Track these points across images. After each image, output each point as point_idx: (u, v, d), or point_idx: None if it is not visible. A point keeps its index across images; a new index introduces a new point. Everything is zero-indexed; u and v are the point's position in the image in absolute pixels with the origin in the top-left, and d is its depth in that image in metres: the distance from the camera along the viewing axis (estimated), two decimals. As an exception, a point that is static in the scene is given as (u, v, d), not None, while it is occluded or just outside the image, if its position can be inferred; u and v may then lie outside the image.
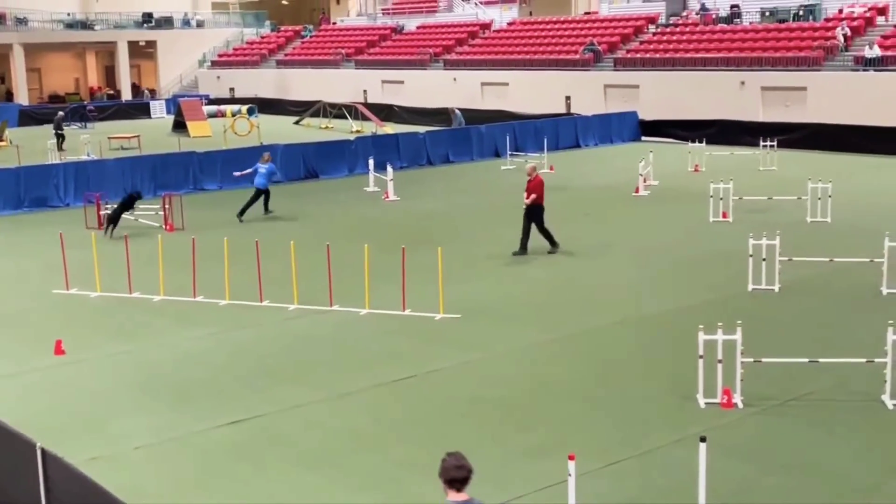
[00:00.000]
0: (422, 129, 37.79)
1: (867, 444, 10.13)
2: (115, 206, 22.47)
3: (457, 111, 42.40)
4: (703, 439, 8.13)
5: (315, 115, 49.40)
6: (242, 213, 23.48)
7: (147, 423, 11.19)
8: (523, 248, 19.10)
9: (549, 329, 14.45)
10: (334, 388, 12.14)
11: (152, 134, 44.92)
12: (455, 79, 50.01)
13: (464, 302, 15.72)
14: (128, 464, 10.17)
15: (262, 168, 23.77)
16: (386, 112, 49.04)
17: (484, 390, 12.04)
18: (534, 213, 19.13)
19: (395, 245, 17.53)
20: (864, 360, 11.46)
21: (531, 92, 45.59)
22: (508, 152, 33.74)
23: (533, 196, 18.94)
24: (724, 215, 22.28)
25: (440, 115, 44.90)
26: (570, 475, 7.77)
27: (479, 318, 15.07)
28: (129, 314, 15.79)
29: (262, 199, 23.84)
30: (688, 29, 44.42)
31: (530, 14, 56.47)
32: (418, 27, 58.91)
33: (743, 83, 38.44)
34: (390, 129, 42.69)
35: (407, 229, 22.18)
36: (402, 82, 52.95)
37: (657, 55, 43.09)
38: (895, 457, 9.82)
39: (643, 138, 38.83)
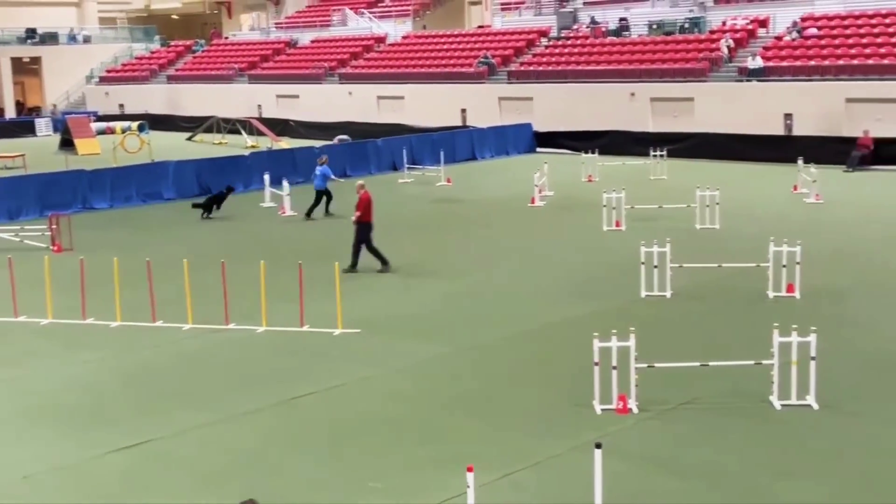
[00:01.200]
0: (318, 143, 37.54)
1: (757, 445, 10.41)
2: (209, 196, 26.26)
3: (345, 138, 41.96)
4: (598, 445, 8.24)
5: (208, 130, 48.64)
6: (309, 213, 25.31)
7: (35, 452, 10.80)
8: (352, 266, 18.86)
9: (448, 342, 14.48)
10: (231, 409, 11.92)
11: (38, 152, 43.55)
12: (351, 92, 49.89)
13: (363, 317, 15.64)
14: (15, 494, 9.79)
15: (318, 170, 25.33)
16: (281, 127, 48.58)
17: (384, 405, 11.99)
18: (360, 231, 19.06)
19: (292, 261, 17.35)
20: (752, 362, 11.79)
21: (427, 105, 45.76)
22: (406, 165, 33.79)
23: (358, 214, 18.91)
24: (618, 224, 22.71)
25: (336, 130, 44.66)
26: (468, 487, 7.79)
27: (379, 332, 15.01)
28: (14, 338, 15.24)
29: (323, 200, 25.29)
30: (579, 42, 45.23)
31: (424, 28, 56.74)
32: (312, 41, 58.62)
33: (633, 94, 39.30)
34: (286, 143, 42.31)
35: (305, 245, 21.99)
36: (297, 97, 52.56)
37: (550, 68, 43.76)
38: (784, 457, 10.12)
39: (538, 149, 39.36)
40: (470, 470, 7.75)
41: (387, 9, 59.62)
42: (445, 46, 50.67)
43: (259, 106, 53.75)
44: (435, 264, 19.82)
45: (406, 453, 10.50)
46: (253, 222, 25.62)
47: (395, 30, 55.88)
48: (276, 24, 65.48)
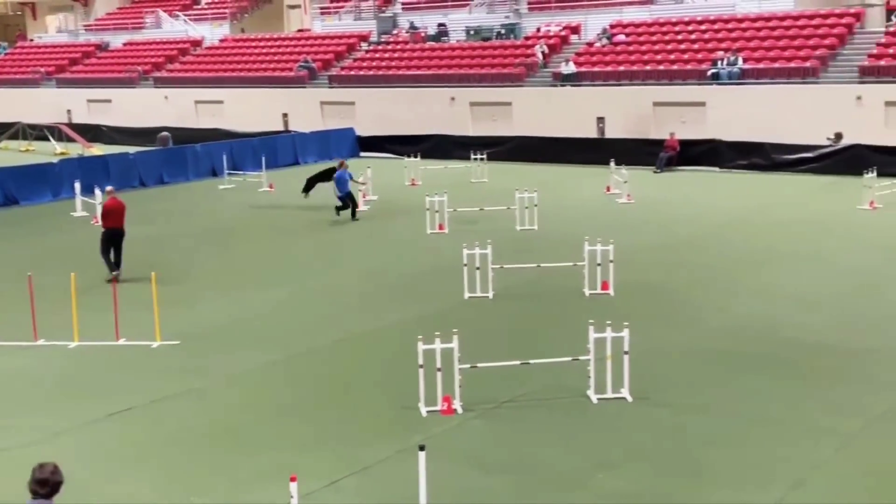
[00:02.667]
0: (133, 149, 36.25)
1: (576, 439, 10.76)
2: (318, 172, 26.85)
3: (167, 136, 40.84)
4: (422, 448, 8.30)
5: (13, 137, 46.08)
6: (354, 214, 25.13)
7: None
8: (113, 268, 18.49)
9: (272, 350, 14.26)
10: (41, 430, 11.33)
11: None
12: (167, 97, 48.45)
13: (183, 328, 15.20)
14: None
15: (338, 175, 24.95)
16: (93, 132, 46.62)
17: (206, 418, 11.68)
18: (104, 236, 18.77)
19: (106, 273, 16.66)
20: (570, 358, 12.16)
21: (247, 109, 44.98)
22: (226, 171, 33.09)
23: (97, 221, 18.73)
24: (441, 227, 22.99)
25: (153, 135, 43.27)
26: (292, 497, 7.68)
27: (200, 343, 14.63)
28: None
29: (349, 204, 25.04)
30: (399, 47, 45.54)
31: (242, 31, 55.75)
32: (125, 44, 56.58)
33: (453, 99, 39.88)
34: (98, 150, 40.63)
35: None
36: (109, 101, 50.59)
37: (371, 72, 43.85)
38: (601, 450, 10.48)
39: (361, 154, 39.35)
40: (293, 479, 7.66)
41: (202, 11, 58.27)
42: (265, 50, 49.97)
43: (69, 111, 51.40)
44: (257, 272, 19.49)
45: (231, 466, 10.27)
46: (63, 233, 24.48)
47: (212, 33, 54.67)
48: (84, 26, 62.81)
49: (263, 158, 33.13)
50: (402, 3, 50.22)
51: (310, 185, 26.94)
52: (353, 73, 44.57)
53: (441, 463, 9.79)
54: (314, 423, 11.48)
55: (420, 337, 11.48)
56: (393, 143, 38.91)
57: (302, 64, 45.66)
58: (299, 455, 10.46)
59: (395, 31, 47.81)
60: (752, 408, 11.50)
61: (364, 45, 47.42)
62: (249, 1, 58.27)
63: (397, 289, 17.86)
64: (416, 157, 32.89)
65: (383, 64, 44.22)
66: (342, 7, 51.83)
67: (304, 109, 43.70)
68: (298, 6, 56.10)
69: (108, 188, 19.75)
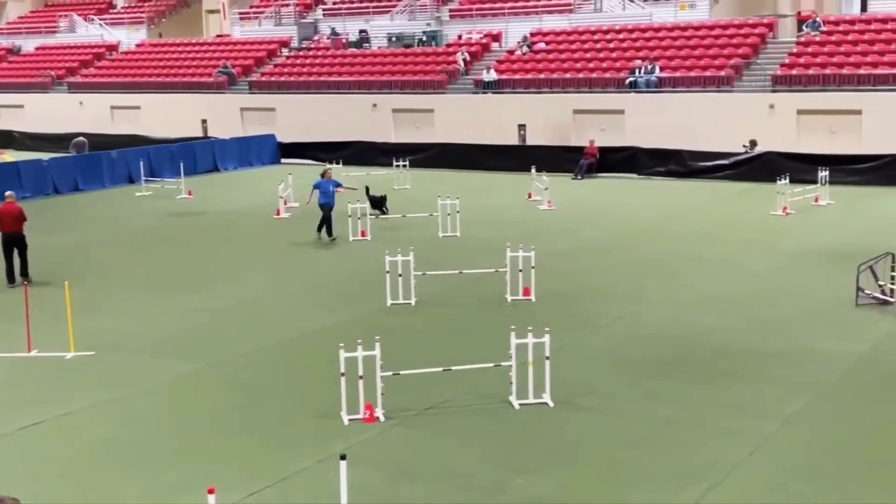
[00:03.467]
0: (46, 155, 35.37)
1: (497, 445, 10.78)
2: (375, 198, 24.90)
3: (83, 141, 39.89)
4: (343, 457, 8.23)
5: (-80, 143, 44.65)
6: (330, 233, 22.79)
7: None
8: (13, 277, 18.45)
9: (192, 359, 14.02)
10: (-52, 445, 10.96)
11: None
12: (81, 102, 47.42)
13: (98, 338, 14.85)
14: None
15: (326, 185, 23.01)
16: (5, 139, 45.39)
17: (122, 430, 11.43)
18: (1, 242, 18.61)
19: (18, 281, 16.19)
20: (492, 364, 12.20)
21: (165, 115, 44.27)
22: (143, 178, 32.50)
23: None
24: (363, 234, 22.90)
25: (68, 141, 42.25)
26: (210, 510, 7.55)
27: (116, 354, 14.31)
28: None
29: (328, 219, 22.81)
30: (320, 53, 45.31)
31: (160, 36, 54.90)
32: (37, 48, 55.25)
33: (375, 106, 39.83)
34: (10, 156, 39.47)
35: (32, 264, 20.57)
36: (21, 106, 49.34)
37: (292, 78, 43.54)
38: (522, 455, 10.52)
39: (283, 161, 39.01)
40: (211, 492, 7.52)
41: (119, 16, 57.22)
42: (183, 55, 49.29)
43: (-22, 117, 49.99)
44: (177, 280, 19.16)
45: (146, 478, 10.05)
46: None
47: (129, 38, 53.72)
48: (-5, 29, 61.18)
49: (182, 165, 32.61)
50: (324, 9, 50.01)
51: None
52: (273, 79, 44.20)
53: (363, 471, 9.72)
54: (233, 433, 11.31)
55: (342, 345, 11.40)
56: (314, 150, 38.67)
57: (221, 70, 45.13)
58: (217, 466, 10.29)
59: (316, 38, 47.57)
60: (669, 411, 11.67)
61: (285, 51, 47.09)
62: (167, 5, 57.41)
63: (319, 296, 17.72)
64: (338, 163, 32.73)
65: (304, 70, 43.95)
66: (262, 13, 51.38)
67: (224, 115, 43.19)
68: (217, 11, 55.42)
69: (8, 193, 19.19)
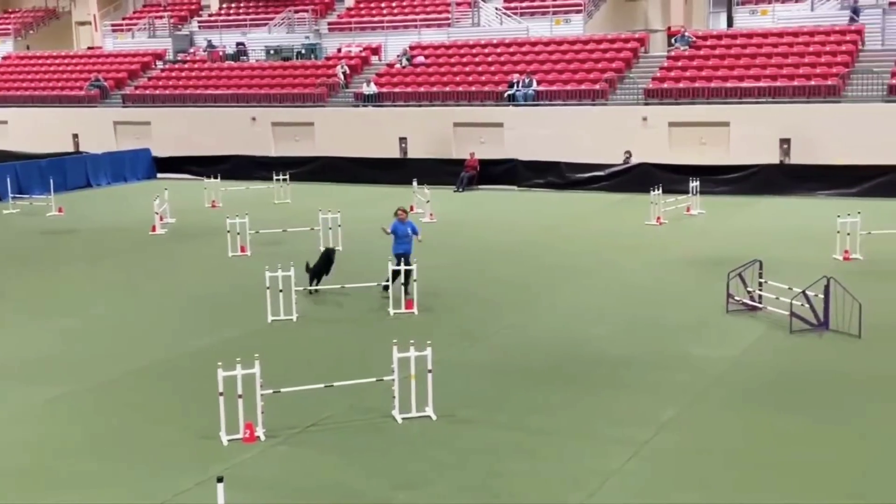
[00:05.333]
0: None
1: (380, 460, 10.73)
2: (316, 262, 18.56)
3: None
4: (220, 479, 8.06)
5: None
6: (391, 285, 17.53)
7: None
8: None
9: (66, 383, 13.52)
10: None
11: None
12: (-56, 116, 45.39)
13: (-39, 363, 14.19)
14: None
15: (402, 227, 18.07)
16: None
17: (-12, 459, 10.93)
18: None
19: None
20: (374, 379, 12.14)
21: (34, 130, 42.75)
22: (10, 195, 31.28)
23: None
24: (243, 249, 22.55)
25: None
26: (83, 540, 7.28)
27: (-19, 379, 13.69)
28: None
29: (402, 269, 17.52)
30: (196, 66, 44.52)
31: (28, 48, 53.04)
32: None
33: (254, 119, 39.32)
34: None
35: None
36: None
37: (167, 91, 42.64)
38: (405, 469, 10.50)
39: (158, 175, 38.14)
40: (84, 521, 7.26)
41: (-17, 27, 55.10)
42: (53, 68, 47.77)
43: None
44: (47, 301, 18.48)
45: (15, 510, 9.64)
46: None
47: (-5, 50, 51.77)
48: None
49: (52, 181, 31.53)
50: (199, 22, 49.21)
51: (315, 275, 18.44)
52: (148, 92, 43.22)
53: (243, 492, 9.55)
54: (108, 458, 10.95)
55: (220, 363, 11.17)
56: (192, 164, 37.97)
57: (93, 83, 43.90)
58: (93, 493, 9.94)
59: (191, 50, 46.75)
60: (549, 421, 11.82)
61: (160, 64, 46.10)
62: (35, 17, 55.54)
63: (197, 314, 17.35)
64: (216, 178, 32.18)
65: (180, 83, 43.11)
66: (135, 24, 50.22)
67: (96, 130, 41.97)
68: (88, 23, 53.89)
69: None
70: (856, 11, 36.13)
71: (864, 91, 31.81)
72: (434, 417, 11.80)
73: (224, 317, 17.08)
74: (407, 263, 17.32)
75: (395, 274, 17.29)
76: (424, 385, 11.83)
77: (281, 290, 16.52)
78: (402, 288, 17.27)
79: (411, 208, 28.38)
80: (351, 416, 11.94)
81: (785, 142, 31.23)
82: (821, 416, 11.81)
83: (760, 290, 16.67)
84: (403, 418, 11.74)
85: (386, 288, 17.39)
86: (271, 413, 11.40)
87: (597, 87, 35.28)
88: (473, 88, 37.26)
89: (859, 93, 31.83)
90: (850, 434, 11.22)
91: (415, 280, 17.01)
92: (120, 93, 43.73)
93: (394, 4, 46.83)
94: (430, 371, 11.81)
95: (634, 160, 32.23)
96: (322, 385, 12.14)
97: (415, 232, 18.12)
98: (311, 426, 11.66)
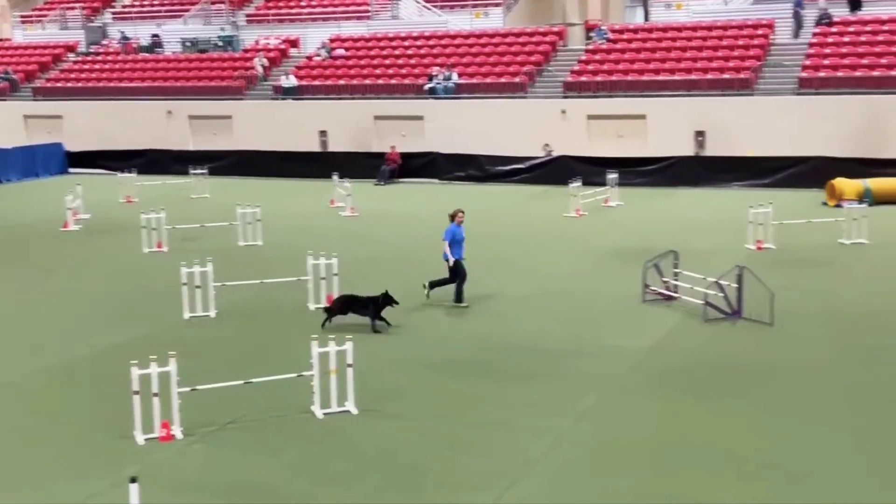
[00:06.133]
0: None
1: (301, 456, 10.64)
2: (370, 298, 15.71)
3: None
4: (133, 480, 7.90)
5: None
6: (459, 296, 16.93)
7: None
8: None
9: (-30, 385, 13.12)
10: None
11: None
12: None
13: None
14: None
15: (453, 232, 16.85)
16: None
17: None
18: None
19: None
20: (294, 374, 12.02)
21: (-60, 124, 41.38)
22: (-86, 192, 30.27)
23: None
24: (159, 245, 22.15)
25: None
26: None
27: None
28: None
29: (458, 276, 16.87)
30: (110, 58, 43.53)
31: (-68, 39, 51.25)
32: None
33: (170, 112, 38.61)
34: None
35: None
36: None
37: (80, 84, 41.60)
38: (325, 465, 10.43)
39: (71, 170, 37.26)
40: (-9, 527, 7.05)
41: None
42: (-42, 60, 46.21)
43: None
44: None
45: (-81, 517, 9.32)
46: None
47: None
48: None
49: (-41, 177, 30.59)
50: (113, 13, 48.14)
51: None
52: (60, 85, 42.13)
53: (159, 492, 9.38)
54: (20, 459, 10.66)
55: (134, 362, 10.95)
56: (106, 159, 37.25)
57: (1, 76, 42.62)
58: (3, 496, 9.66)
59: (105, 42, 45.69)
60: (470, 413, 11.86)
61: (72, 56, 44.96)
62: (-61, 6, 53.66)
63: (112, 311, 16.99)
64: (131, 172, 31.54)
65: (93, 76, 42.14)
66: (46, 16, 48.87)
67: (5, 124, 40.77)
68: (-4, 13, 52.28)
69: None
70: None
71: (775, 84, 32.57)
72: (355, 412, 11.74)
73: (139, 314, 16.75)
74: (457, 268, 16.67)
75: (452, 278, 16.76)
76: (345, 380, 11.76)
77: (198, 286, 16.27)
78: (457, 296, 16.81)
79: (332, 202, 28.30)
80: (270, 413, 11.81)
81: (700, 134, 31.81)
82: (733, 401, 12.07)
83: (676, 279, 16.97)
84: (324, 414, 11.66)
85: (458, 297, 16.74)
86: (188, 411, 11.22)
87: (516, 80, 35.47)
88: (394, 81, 37.15)
89: (771, 86, 32.58)
90: (760, 418, 11.48)
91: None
92: (30, 86, 42.55)
93: (312, -4, 46.47)
94: (350, 366, 11.74)
95: (554, 153, 32.51)
96: (241, 382, 11.99)
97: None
98: (230, 423, 11.50)
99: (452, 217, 16.83)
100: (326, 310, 15.59)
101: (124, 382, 11.36)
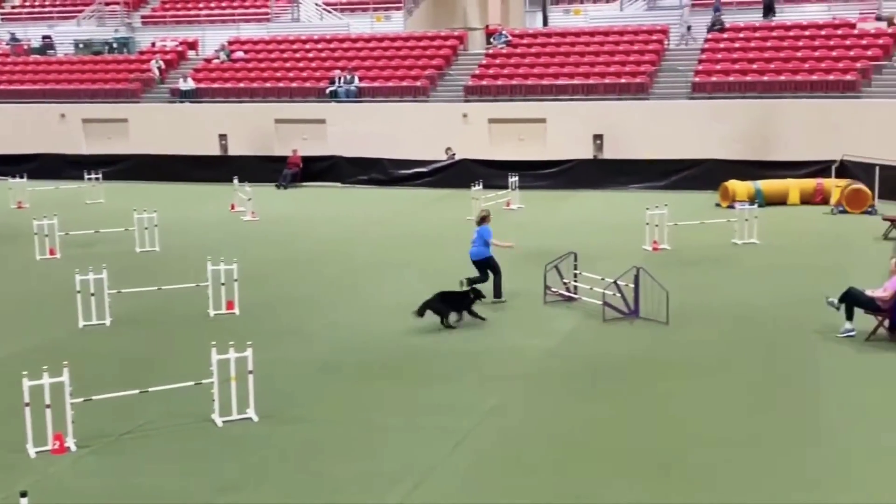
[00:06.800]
0: None
1: (200, 465, 10.45)
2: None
3: None
4: (23, 493, 7.65)
5: None
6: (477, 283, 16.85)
7: None
8: None
9: None
10: None
11: None
12: None
13: None
14: None
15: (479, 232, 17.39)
16: None
17: None
18: None
19: None
20: (192, 382, 11.81)
21: None
22: None
23: None
24: (52, 252, 21.54)
25: None
26: None
27: None
28: None
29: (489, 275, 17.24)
30: (-1, 59, 42.21)
31: None
32: None
33: (63, 116, 37.60)
34: None
35: None
36: None
37: (-33, 86, 40.20)
38: (226, 473, 10.26)
39: (-43, 176, 35.93)
40: None
41: None
42: None
43: None
44: None
45: None
46: None
47: None
48: None
49: None
50: (2, 14, 46.65)
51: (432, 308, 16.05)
52: (-55, 87, 40.63)
53: (53, 507, 9.10)
54: None
55: (25, 373, 10.61)
56: (-5, 164, 35.97)
57: None
58: None
59: (-8, 43, 44.26)
60: (374, 416, 11.83)
61: (-42, 57, 43.40)
62: None
63: (2, 321, 16.43)
64: (22, 177, 30.59)
65: (-19, 78, 40.75)
66: (-70, 15, 47.10)
67: None
68: None
69: None
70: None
71: (669, 88, 33.39)
72: (256, 419, 11.60)
73: (31, 323, 16.25)
74: (488, 268, 17.14)
75: (482, 277, 17.08)
76: (245, 386, 11.61)
77: (93, 294, 15.86)
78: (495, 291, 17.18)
79: (232, 206, 27.93)
80: (169, 422, 11.58)
81: (598, 137, 32.41)
82: (632, 399, 12.31)
83: (576, 280, 17.24)
84: (224, 421, 11.48)
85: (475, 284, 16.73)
86: (83, 422, 10.91)
87: (418, 83, 35.58)
88: (295, 84, 36.89)
89: (666, 90, 33.38)
90: (658, 414, 11.74)
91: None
92: (-88, 88, 40.94)
93: (211, -2, 45.83)
94: (250, 372, 11.59)
95: (456, 156, 32.69)
96: (137, 391, 11.72)
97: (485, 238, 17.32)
98: (126, 434, 11.24)
99: (485, 219, 17.42)
100: (423, 306, 15.59)
101: (15, 394, 10.99)
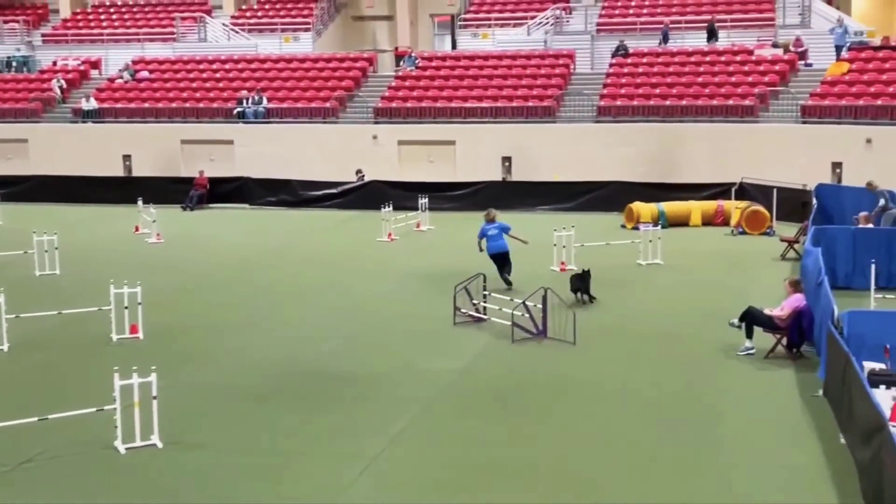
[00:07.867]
0: None
1: (103, 494, 10.20)
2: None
3: None
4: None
5: None
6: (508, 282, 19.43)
7: None
8: None
9: None
10: None
11: None
12: None
13: None
14: None
15: (491, 228, 19.84)
16: None
17: None
18: None
19: None
20: (94, 409, 11.52)
21: None
22: None
23: None
24: (-54, 276, 20.80)
25: None
26: None
27: None
28: None
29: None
30: None
31: None
32: None
33: (-41, 135, 36.42)
34: None
35: None
36: None
37: None
38: (130, 500, 10.04)
39: None
40: None
41: None
42: None
43: None
44: None
45: None
46: None
47: None
48: None
49: None
50: None
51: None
52: None
53: (-56, 541, 8.77)
54: None
55: (-85, 402, 10.23)
56: None
57: None
58: None
59: None
60: (281, 441, 11.71)
61: None
62: None
63: None
64: (-86, 199, 29.54)
65: None
66: None
67: None
68: None
69: None
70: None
71: (575, 112, 33.97)
72: (160, 445, 11.37)
73: (-76, 350, 15.66)
74: (504, 260, 19.48)
75: (501, 270, 19.37)
76: (150, 412, 11.37)
77: (-11, 319, 15.37)
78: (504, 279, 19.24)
79: (136, 229, 27.39)
80: (70, 450, 11.27)
81: (507, 159, 32.77)
82: (537, 418, 12.44)
83: (485, 302, 17.36)
84: (127, 448, 11.23)
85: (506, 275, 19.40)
86: (-22, 452, 10.57)
87: (327, 105, 35.50)
88: (202, 105, 36.45)
89: (572, 113, 33.96)
90: (560, 431, 11.89)
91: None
92: None
93: (114, 17, 45.02)
94: (154, 398, 11.37)
95: (366, 178, 32.68)
96: (36, 418, 11.39)
97: (505, 230, 19.69)
98: (25, 463, 10.90)
99: (488, 217, 20.00)
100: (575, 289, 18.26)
101: None
